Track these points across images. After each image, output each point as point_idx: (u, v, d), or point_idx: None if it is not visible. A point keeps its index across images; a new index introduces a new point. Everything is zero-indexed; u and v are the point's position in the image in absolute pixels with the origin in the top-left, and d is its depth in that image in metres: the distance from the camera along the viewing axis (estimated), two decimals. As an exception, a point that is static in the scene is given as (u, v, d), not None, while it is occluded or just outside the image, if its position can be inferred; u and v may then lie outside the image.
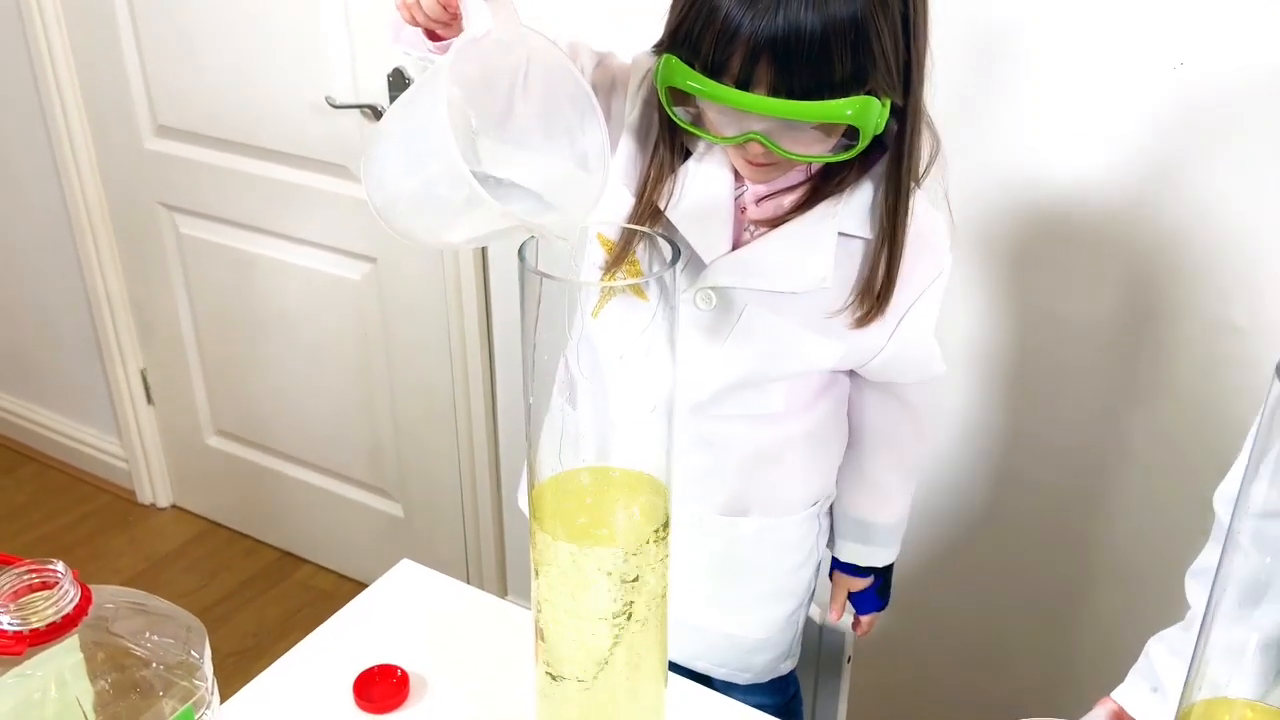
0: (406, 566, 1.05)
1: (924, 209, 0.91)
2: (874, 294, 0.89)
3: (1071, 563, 1.40)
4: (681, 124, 0.85)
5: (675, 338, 0.62)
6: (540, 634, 0.70)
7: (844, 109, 0.77)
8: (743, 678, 1.12)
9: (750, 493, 1.02)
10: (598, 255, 0.93)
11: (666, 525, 0.65)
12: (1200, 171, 1.16)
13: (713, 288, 0.92)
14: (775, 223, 0.90)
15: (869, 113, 0.78)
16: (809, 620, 1.17)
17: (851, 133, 0.80)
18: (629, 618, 0.65)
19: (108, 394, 2.27)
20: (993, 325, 1.35)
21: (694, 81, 0.78)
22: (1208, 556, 0.84)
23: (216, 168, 1.87)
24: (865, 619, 1.17)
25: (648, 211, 0.90)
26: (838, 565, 1.14)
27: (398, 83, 1.59)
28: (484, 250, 1.69)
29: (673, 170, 0.90)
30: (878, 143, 0.85)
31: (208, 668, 0.66)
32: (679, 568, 1.05)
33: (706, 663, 1.11)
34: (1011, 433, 1.39)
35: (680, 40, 0.79)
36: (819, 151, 0.83)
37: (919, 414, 1.05)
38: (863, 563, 1.11)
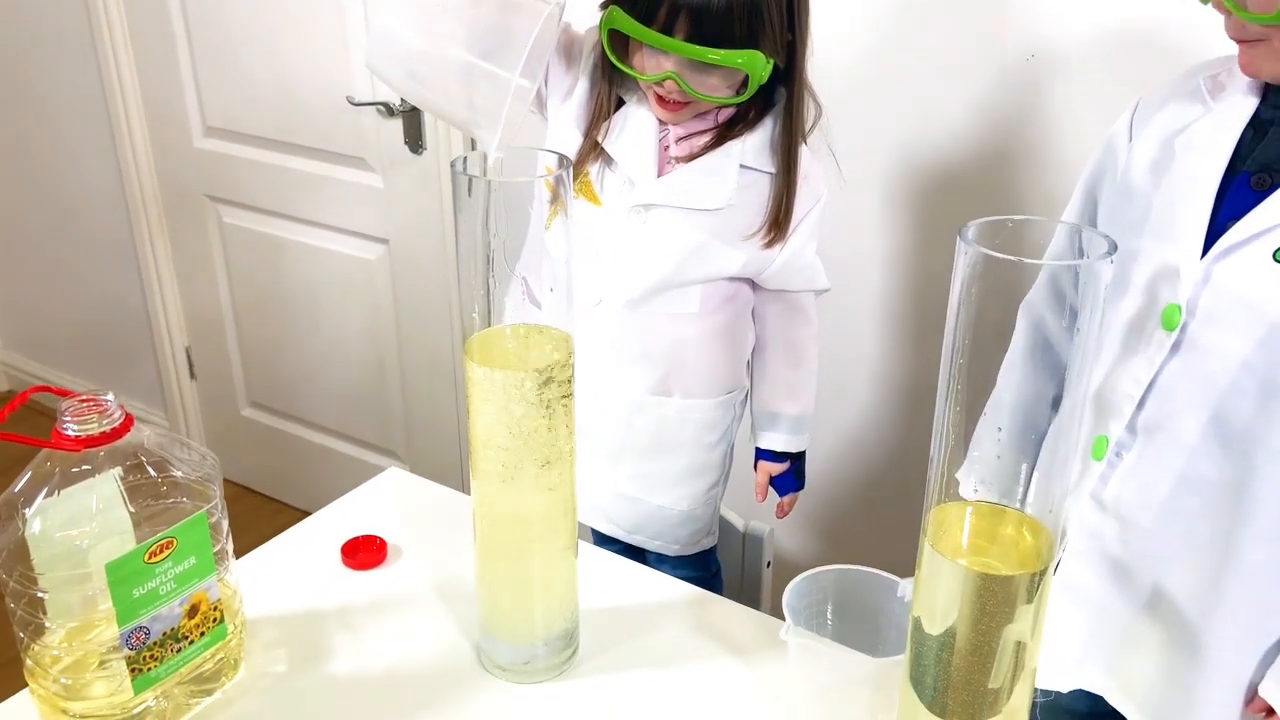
0: (394, 473, 1.26)
1: (806, 157, 1.19)
2: (777, 221, 1.16)
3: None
4: (616, 62, 1.11)
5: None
6: (474, 471, 0.89)
7: (738, 57, 1.05)
8: (672, 549, 1.35)
9: (673, 376, 1.26)
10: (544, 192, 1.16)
11: (570, 377, 0.84)
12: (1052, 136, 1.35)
13: (643, 205, 1.17)
14: (690, 159, 1.16)
15: (756, 64, 1.05)
16: (733, 528, 1.36)
17: (744, 86, 1.09)
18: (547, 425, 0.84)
19: (156, 370, 2.52)
20: (901, 282, 1.54)
21: (628, 26, 1.05)
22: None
23: (254, 162, 2.12)
24: (786, 499, 1.39)
25: (590, 144, 1.17)
26: (760, 454, 1.36)
27: (409, 83, 1.82)
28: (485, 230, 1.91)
29: (609, 115, 1.17)
30: (769, 100, 1.14)
31: (219, 488, 0.87)
32: (617, 445, 1.26)
33: (643, 535, 1.33)
34: (917, 374, 1.58)
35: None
36: (720, 94, 1.10)
37: (811, 319, 1.30)
38: (778, 448, 1.34)
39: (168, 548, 0.81)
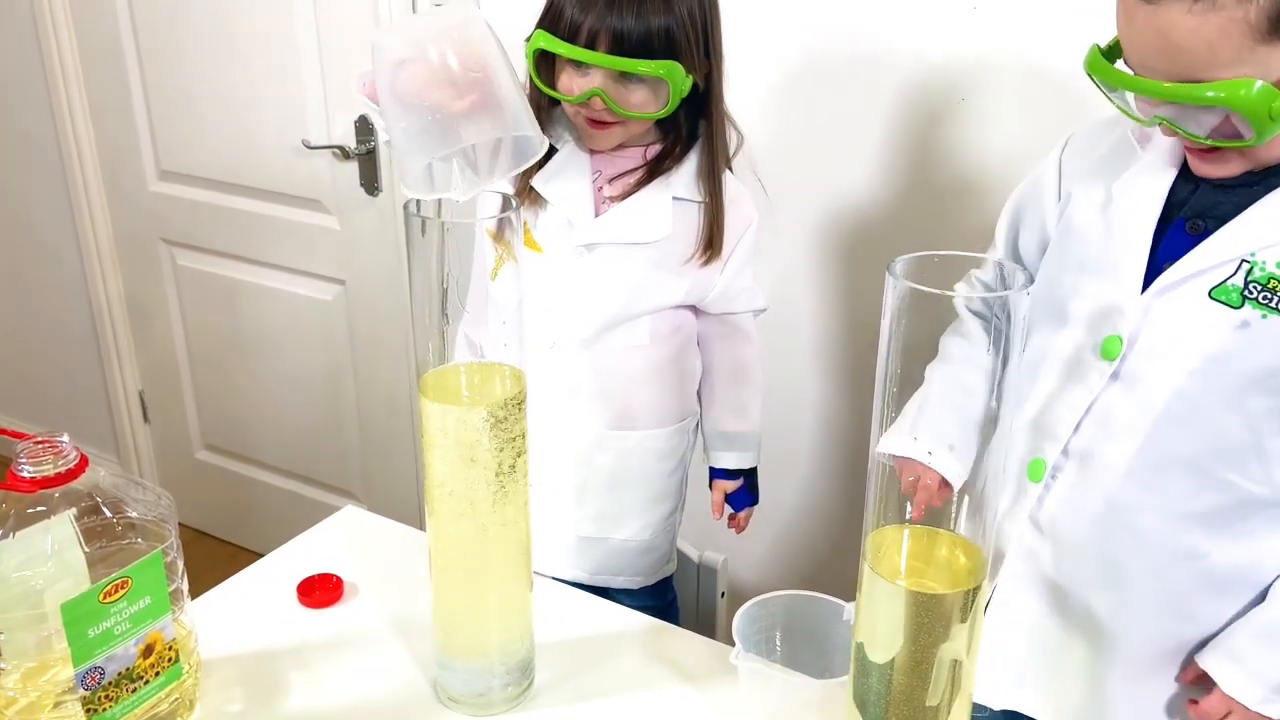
0: (350, 510, 1.27)
1: (733, 182, 1.25)
2: (710, 242, 1.22)
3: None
4: (543, 87, 1.15)
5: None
6: (431, 510, 0.91)
7: (659, 67, 1.10)
8: (636, 581, 1.37)
9: (631, 409, 1.29)
10: (487, 245, 1.18)
11: (523, 412, 0.87)
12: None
13: (584, 244, 1.22)
14: (623, 197, 1.21)
15: (676, 75, 1.11)
16: (688, 559, 1.39)
17: (666, 101, 1.13)
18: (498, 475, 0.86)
19: (109, 414, 2.49)
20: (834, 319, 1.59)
21: (552, 43, 1.10)
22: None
23: (209, 205, 2.12)
24: (742, 514, 1.42)
25: (524, 188, 1.21)
26: (714, 474, 1.40)
27: (364, 127, 1.85)
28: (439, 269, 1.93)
29: (540, 160, 1.18)
30: (693, 134, 1.20)
31: (174, 527, 0.88)
32: (578, 486, 1.29)
33: (607, 574, 1.35)
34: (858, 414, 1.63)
35: (545, 22, 1.13)
36: (646, 110, 1.14)
37: (752, 338, 1.36)
38: (732, 466, 1.38)
39: (123, 588, 0.82)
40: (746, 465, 1.38)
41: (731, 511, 1.41)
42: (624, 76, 1.11)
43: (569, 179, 1.21)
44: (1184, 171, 0.92)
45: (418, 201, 0.82)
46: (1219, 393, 0.88)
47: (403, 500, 2.14)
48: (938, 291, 0.65)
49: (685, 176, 1.21)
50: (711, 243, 1.22)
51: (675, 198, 1.21)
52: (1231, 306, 0.87)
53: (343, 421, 2.16)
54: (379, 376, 2.07)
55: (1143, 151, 0.95)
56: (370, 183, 1.90)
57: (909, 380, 0.71)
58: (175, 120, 2.09)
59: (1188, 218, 0.90)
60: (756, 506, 1.41)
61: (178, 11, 1.97)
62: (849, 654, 0.92)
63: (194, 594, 0.94)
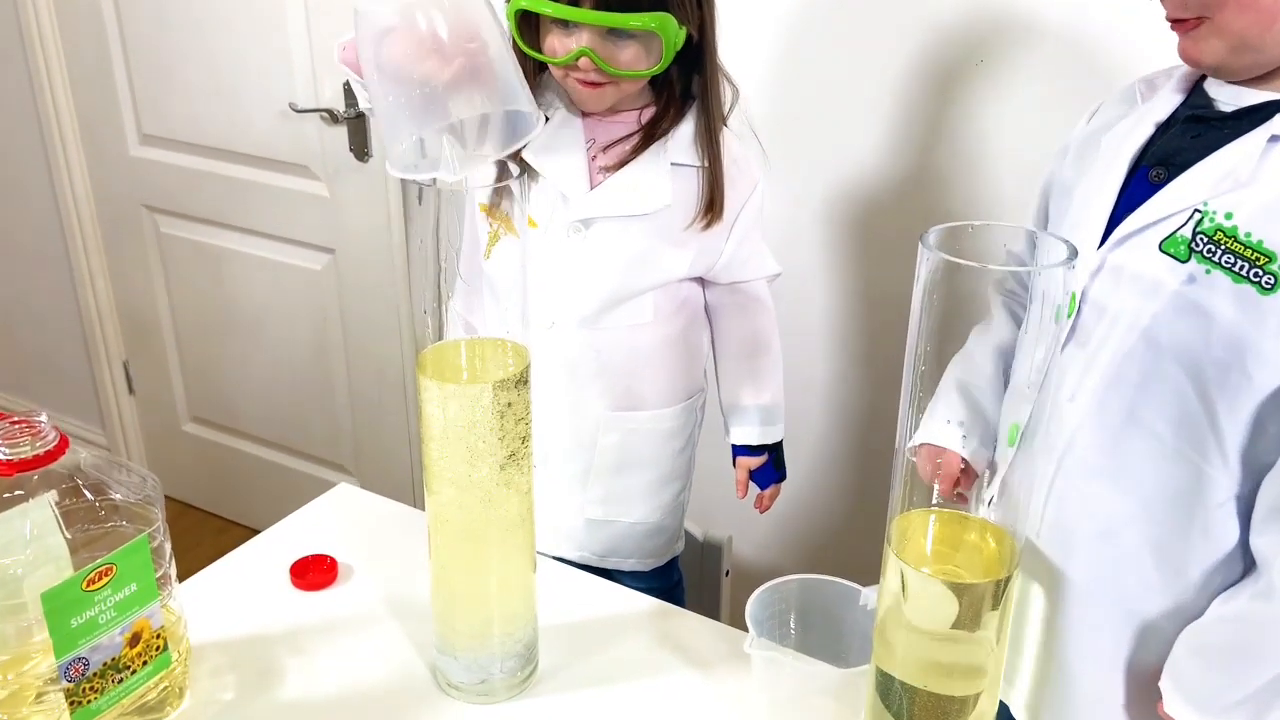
0: (344, 488, 1.23)
1: (734, 143, 1.18)
2: (711, 205, 1.15)
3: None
4: (527, 49, 1.08)
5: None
6: (429, 486, 0.87)
7: (649, 20, 1.03)
8: (647, 564, 1.33)
9: (635, 389, 1.24)
10: (480, 218, 1.13)
11: (526, 390, 0.83)
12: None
13: (580, 220, 1.15)
14: (619, 166, 1.14)
15: (669, 28, 1.04)
16: (691, 537, 1.35)
17: (659, 58, 1.06)
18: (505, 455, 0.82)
19: (92, 385, 2.44)
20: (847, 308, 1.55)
21: (536, 3, 1.02)
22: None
23: (193, 171, 2.06)
24: (767, 492, 1.36)
25: (517, 163, 1.13)
26: (736, 451, 1.34)
27: (352, 89, 1.79)
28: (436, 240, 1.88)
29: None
30: (687, 95, 1.12)
31: (161, 510, 0.84)
32: (583, 469, 1.24)
33: (617, 557, 1.31)
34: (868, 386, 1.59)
35: None
36: (638, 68, 1.07)
37: (767, 306, 1.29)
38: (753, 441, 1.32)
39: (107, 574, 0.78)
40: (770, 440, 1.32)
41: (757, 490, 1.35)
42: (613, 33, 1.04)
43: (561, 150, 1.14)
44: (1171, 119, 0.87)
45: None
46: (1172, 357, 0.82)
47: (396, 474, 2.11)
48: (974, 264, 0.61)
49: (682, 140, 1.15)
50: (713, 204, 1.15)
51: (673, 164, 1.14)
52: (1179, 260, 0.81)
53: (333, 393, 2.11)
54: (370, 347, 2.03)
55: (1141, 104, 0.90)
56: (360, 148, 1.84)
57: (941, 358, 0.67)
58: (156, 82, 2.02)
59: (1151, 165, 0.85)
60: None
61: (158, -32, 1.90)
62: (865, 640, 0.89)
63: (182, 569, 0.90)
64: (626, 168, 1.14)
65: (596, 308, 1.19)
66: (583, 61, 1.06)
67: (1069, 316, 0.87)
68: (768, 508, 1.37)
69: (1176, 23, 0.82)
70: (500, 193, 0.99)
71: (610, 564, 1.31)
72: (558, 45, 1.07)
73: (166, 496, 0.85)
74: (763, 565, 1.72)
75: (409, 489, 2.10)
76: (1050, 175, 1.01)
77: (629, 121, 1.15)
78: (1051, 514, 0.90)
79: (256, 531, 1.16)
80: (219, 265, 2.13)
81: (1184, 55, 0.83)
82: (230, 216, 2.06)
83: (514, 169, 0.82)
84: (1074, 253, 0.61)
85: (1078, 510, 0.89)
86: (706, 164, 1.15)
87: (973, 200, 1.42)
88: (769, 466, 1.34)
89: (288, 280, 2.05)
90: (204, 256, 2.14)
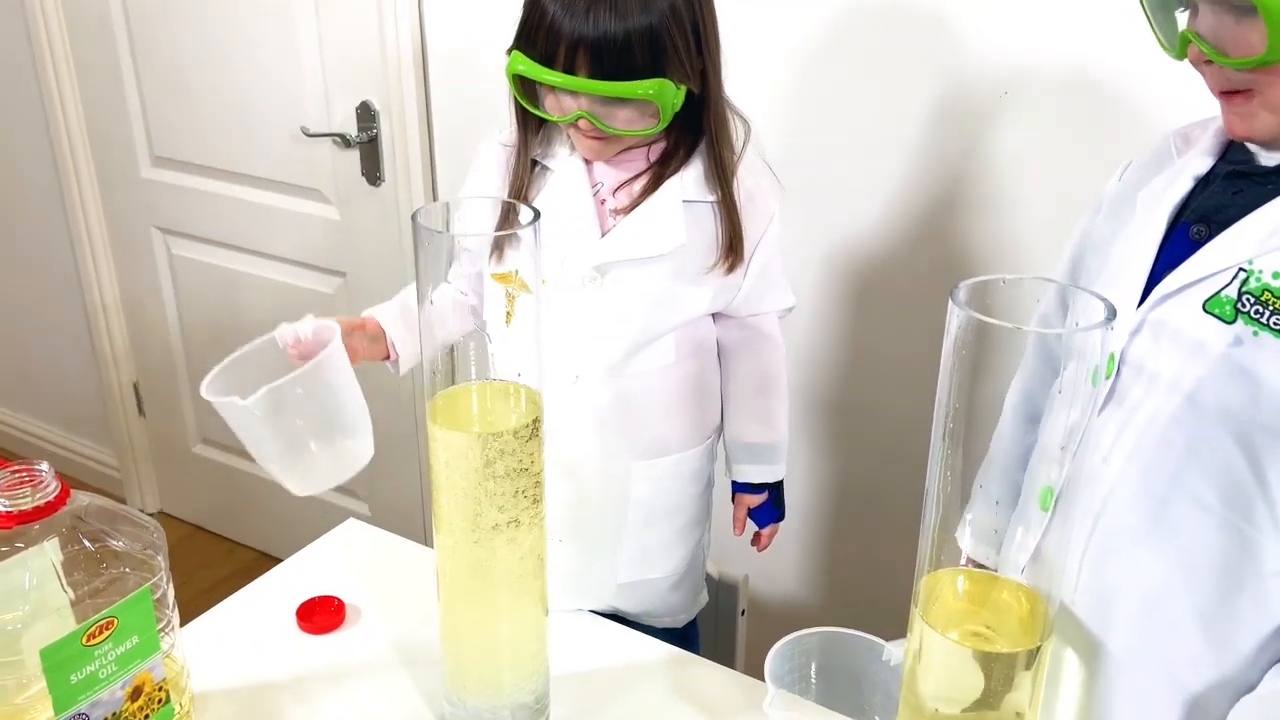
0: (352, 524, 1.21)
1: (748, 177, 1.14)
2: (732, 246, 1.12)
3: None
4: (529, 106, 1.06)
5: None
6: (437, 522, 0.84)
7: (646, 88, 1.00)
8: (680, 620, 1.30)
9: (662, 434, 1.20)
10: (496, 291, 1.09)
11: (540, 437, 0.80)
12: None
13: (595, 267, 1.11)
14: (630, 208, 1.11)
15: (665, 93, 1.01)
16: (708, 575, 1.32)
17: (659, 116, 1.03)
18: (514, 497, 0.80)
19: (102, 406, 2.43)
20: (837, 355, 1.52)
21: (531, 70, 1.00)
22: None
23: (205, 193, 2.05)
24: (765, 531, 1.33)
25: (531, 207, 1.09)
26: (736, 487, 1.31)
27: (365, 113, 1.78)
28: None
29: (531, 178, 1.13)
30: (699, 129, 1.09)
31: (164, 561, 0.82)
32: (615, 525, 1.22)
33: (649, 619, 1.28)
34: (889, 420, 1.56)
35: (522, 38, 1.03)
36: (637, 127, 1.04)
37: (778, 342, 1.26)
38: (756, 480, 1.28)
39: (108, 628, 0.75)
40: (772, 479, 1.29)
41: (755, 528, 1.33)
42: (610, 98, 1.01)
43: (568, 197, 1.11)
44: (1209, 175, 0.84)
45: (426, 211, 0.75)
46: (1218, 421, 0.78)
47: (406, 500, 2.08)
48: (1007, 325, 0.58)
49: (695, 176, 1.11)
50: (733, 246, 1.12)
51: (686, 200, 1.10)
52: (1224, 321, 0.77)
53: (343, 418, 2.09)
54: (381, 372, 2.00)
55: (1178, 158, 0.87)
56: (372, 172, 1.83)
57: (971, 416, 0.65)
58: (169, 105, 2.01)
59: (1191, 222, 0.82)
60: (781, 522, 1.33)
61: (171, -9, 1.89)
62: (889, 695, 0.86)
63: (190, 591, 0.88)
64: (639, 209, 1.10)
65: (620, 356, 1.15)
66: (581, 123, 1.04)
67: (1107, 378, 0.83)
68: (765, 546, 1.34)
69: (1224, 94, 0.78)
70: (501, 248, 0.96)
71: (647, 621, 1.27)
72: (556, 106, 1.05)
73: (175, 517, 0.83)
74: (778, 603, 1.68)
75: (419, 516, 2.08)
76: (1083, 232, 0.97)
77: (638, 160, 1.12)
78: (1088, 579, 0.87)
79: (265, 554, 1.14)
80: (230, 287, 2.11)
81: (1232, 130, 0.80)
82: (242, 239, 2.05)
83: (531, 210, 0.79)
84: (1113, 312, 0.59)
85: (1118, 577, 0.85)
86: (719, 198, 1.11)
87: (996, 244, 1.38)
88: (769, 505, 1.31)
89: (299, 303, 2.04)
90: (215, 278, 2.12)
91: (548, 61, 1.00)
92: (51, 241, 2.32)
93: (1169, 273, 0.80)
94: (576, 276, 1.11)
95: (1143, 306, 0.82)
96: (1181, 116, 0.91)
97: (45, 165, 2.22)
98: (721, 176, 1.10)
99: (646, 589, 1.26)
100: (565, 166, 1.12)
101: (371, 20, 1.71)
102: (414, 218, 0.75)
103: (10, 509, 0.73)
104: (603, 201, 1.12)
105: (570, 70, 0.99)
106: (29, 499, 0.73)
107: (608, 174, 1.12)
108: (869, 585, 1.63)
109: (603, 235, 1.11)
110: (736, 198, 1.11)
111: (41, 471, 0.75)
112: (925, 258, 1.43)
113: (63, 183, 2.21)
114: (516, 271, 0.92)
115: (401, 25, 1.68)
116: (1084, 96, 1.27)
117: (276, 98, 1.86)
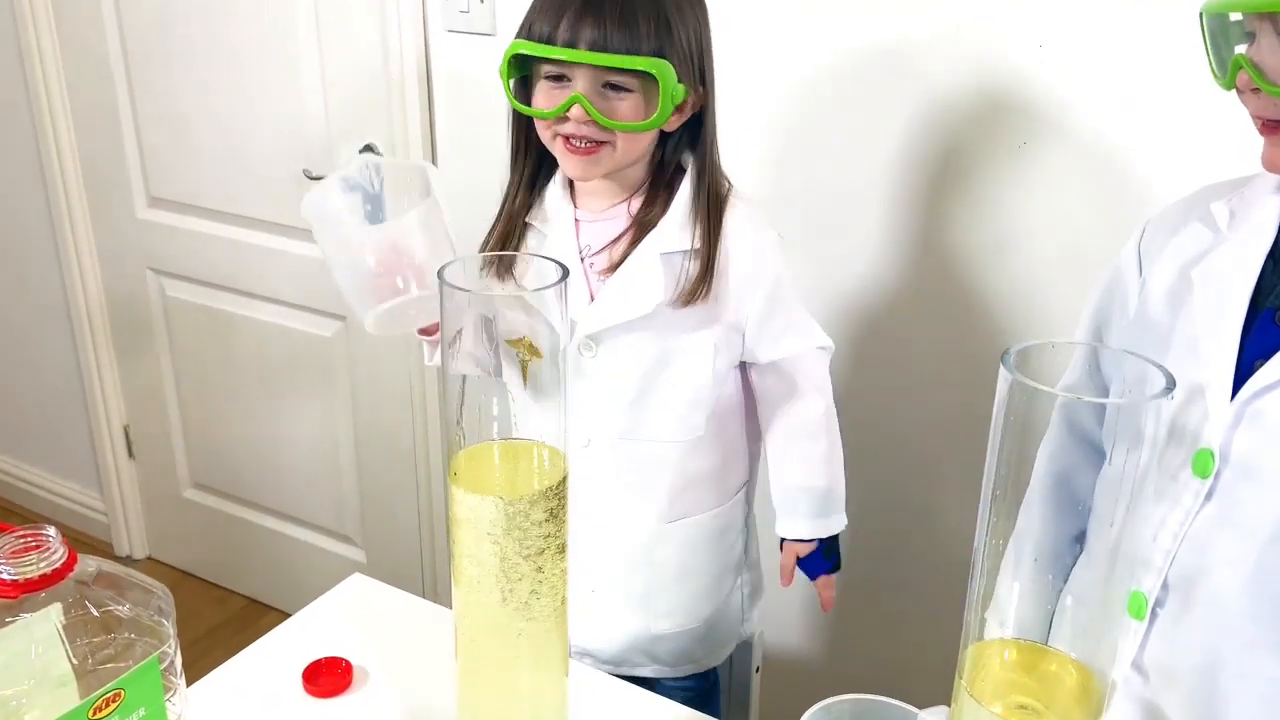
0: (357, 579, 1.17)
1: (748, 229, 1.11)
2: (703, 273, 1.07)
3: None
4: (518, 105, 1.06)
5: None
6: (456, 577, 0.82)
7: (650, 64, 0.98)
8: (721, 656, 1.27)
9: (685, 494, 1.17)
10: (507, 353, 1.04)
11: (565, 499, 0.78)
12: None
13: (588, 336, 1.11)
14: (612, 269, 1.10)
15: (668, 75, 0.99)
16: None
17: (655, 110, 1.01)
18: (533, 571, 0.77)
19: (91, 449, 2.38)
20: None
21: (531, 47, 1.00)
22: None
23: (202, 235, 2.03)
24: (819, 583, 1.21)
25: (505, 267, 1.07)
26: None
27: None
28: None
29: (523, 236, 1.14)
30: (678, 170, 1.09)
31: (172, 628, 0.78)
32: (643, 587, 1.20)
33: (691, 665, 1.25)
34: (911, 476, 1.53)
35: (524, 26, 1.03)
36: (632, 120, 1.02)
37: (817, 382, 1.17)
38: (804, 536, 1.18)
39: (114, 701, 0.72)
40: (822, 534, 1.18)
41: (805, 578, 1.23)
42: (607, 86, 1.01)
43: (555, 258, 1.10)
44: (1274, 252, 0.80)
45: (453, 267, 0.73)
46: None
47: (404, 549, 2.05)
48: (1068, 395, 0.57)
49: (672, 227, 1.08)
50: (704, 274, 1.07)
51: (664, 253, 1.08)
52: None
53: (340, 463, 2.06)
54: (380, 417, 1.98)
55: (1227, 231, 0.83)
56: (375, 214, 1.81)
57: (1019, 483, 0.63)
58: (166, 145, 1.99)
59: (1276, 308, 0.78)
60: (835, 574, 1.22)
61: (170, 30, 1.88)
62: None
63: (182, 639, 0.83)
64: (619, 272, 1.09)
65: (627, 421, 1.13)
66: (575, 112, 1.01)
67: (1207, 476, 0.79)
68: (829, 602, 1.22)
69: (1267, 125, 0.75)
70: (518, 319, 0.94)
71: (685, 670, 1.25)
72: (549, 101, 1.03)
73: (163, 563, 0.79)
74: (786, 657, 1.64)
75: (417, 565, 2.04)
76: (1103, 303, 0.94)
77: (619, 218, 1.10)
78: (1196, 683, 0.83)
79: (256, 601, 1.10)
80: (225, 329, 2.08)
81: (1273, 165, 0.77)
82: (238, 280, 2.02)
83: (561, 268, 0.77)
84: (1171, 381, 0.57)
85: (1232, 683, 0.81)
86: (696, 245, 1.08)
87: (994, 291, 1.37)
88: (818, 554, 1.20)
89: (297, 346, 2.01)
90: (210, 320, 2.09)
91: (548, 41, 1.00)
92: (44, 281, 2.28)
93: (1258, 361, 0.77)
94: (574, 345, 1.11)
95: (1237, 399, 0.77)
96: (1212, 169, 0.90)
97: (39, 204, 2.19)
98: (706, 218, 1.08)
99: (685, 640, 1.23)
100: (556, 230, 1.11)
101: (377, 62, 1.70)
102: (440, 275, 0.73)
103: (16, 577, 0.70)
104: (590, 265, 1.12)
105: (573, 43, 0.99)
106: (35, 566, 0.70)
107: (593, 235, 1.11)
108: (876, 638, 1.60)
109: (591, 301, 1.10)
110: (718, 232, 1.09)
111: (48, 537, 0.72)
112: (931, 312, 1.42)
113: (55, 222, 2.18)
114: (525, 337, 0.90)
115: (408, 67, 1.68)
116: (1099, 148, 1.27)
117: (278, 140, 1.85)
